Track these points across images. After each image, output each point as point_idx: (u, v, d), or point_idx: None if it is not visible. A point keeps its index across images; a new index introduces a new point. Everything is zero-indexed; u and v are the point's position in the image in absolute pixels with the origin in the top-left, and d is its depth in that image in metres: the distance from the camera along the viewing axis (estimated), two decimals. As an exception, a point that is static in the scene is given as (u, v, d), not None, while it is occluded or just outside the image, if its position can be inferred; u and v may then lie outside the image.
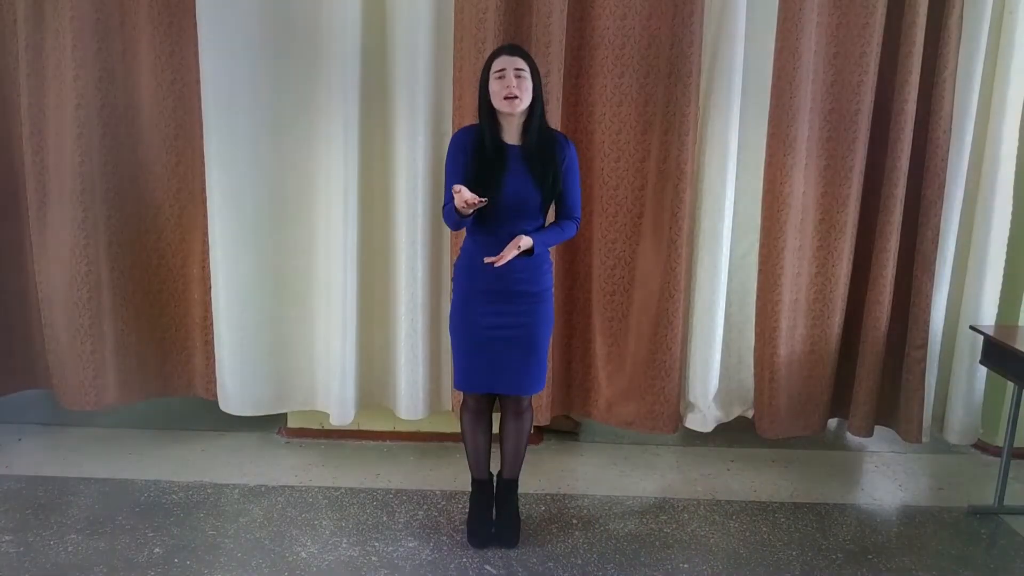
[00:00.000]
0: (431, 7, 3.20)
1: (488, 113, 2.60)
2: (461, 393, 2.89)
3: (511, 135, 2.63)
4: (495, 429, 2.90)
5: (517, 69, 2.54)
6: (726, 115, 3.26)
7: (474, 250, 2.68)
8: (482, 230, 2.65)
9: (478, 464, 2.90)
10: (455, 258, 2.87)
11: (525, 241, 2.57)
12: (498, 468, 2.93)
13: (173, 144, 3.37)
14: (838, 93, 3.34)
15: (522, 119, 2.61)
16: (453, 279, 2.80)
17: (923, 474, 3.65)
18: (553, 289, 2.81)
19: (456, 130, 3.19)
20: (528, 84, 2.55)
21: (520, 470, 2.91)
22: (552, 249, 3.26)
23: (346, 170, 3.24)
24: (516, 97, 2.52)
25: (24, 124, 3.28)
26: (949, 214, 3.40)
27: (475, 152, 2.61)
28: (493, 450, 2.91)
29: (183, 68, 3.30)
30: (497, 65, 2.55)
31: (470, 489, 2.96)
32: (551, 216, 2.82)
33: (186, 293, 3.54)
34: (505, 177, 2.58)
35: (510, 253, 2.53)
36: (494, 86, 2.55)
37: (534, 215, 2.65)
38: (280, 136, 3.30)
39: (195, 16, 3.14)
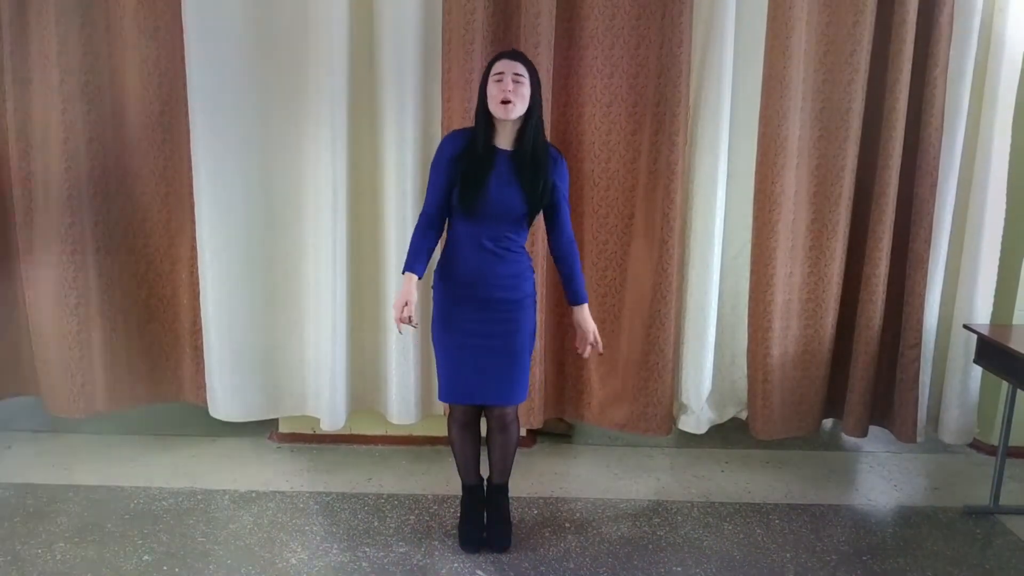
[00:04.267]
0: (419, 8, 3.18)
1: (484, 116, 2.59)
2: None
3: (504, 140, 2.61)
4: (483, 432, 2.88)
5: (516, 74, 2.52)
6: (716, 115, 3.24)
7: (454, 258, 2.66)
8: (463, 236, 2.63)
9: (467, 470, 2.88)
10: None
11: (594, 327, 2.76)
12: (488, 472, 2.91)
13: (160, 149, 3.35)
14: (829, 92, 3.33)
15: (517, 126, 2.59)
16: (433, 287, 2.76)
17: (918, 474, 3.64)
18: (536, 296, 2.78)
19: (445, 131, 3.19)
20: (525, 91, 2.54)
21: (510, 475, 2.89)
22: (541, 253, 3.26)
23: (335, 173, 3.23)
24: (511, 102, 2.51)
25: (9, 129, 3.25)
26: (941, 212, 3.38)
27: (465, 153, 2.59)
28: (483, 454, 2.89)
29: (170, 72, 3.27)
30: (497, 68, 2.54)
31: (461, 493, 2.94)
32: (542, 231, 2.80)
33: (175, 298, 3.52)
34: (491, 181, 2.56)
35: (587, 345, 2.76)
36: (491, 89, 2.54)
37: (517, 223, 2.62)
38: (268, 139, 3.28)
39: (181, 20, 3.13)
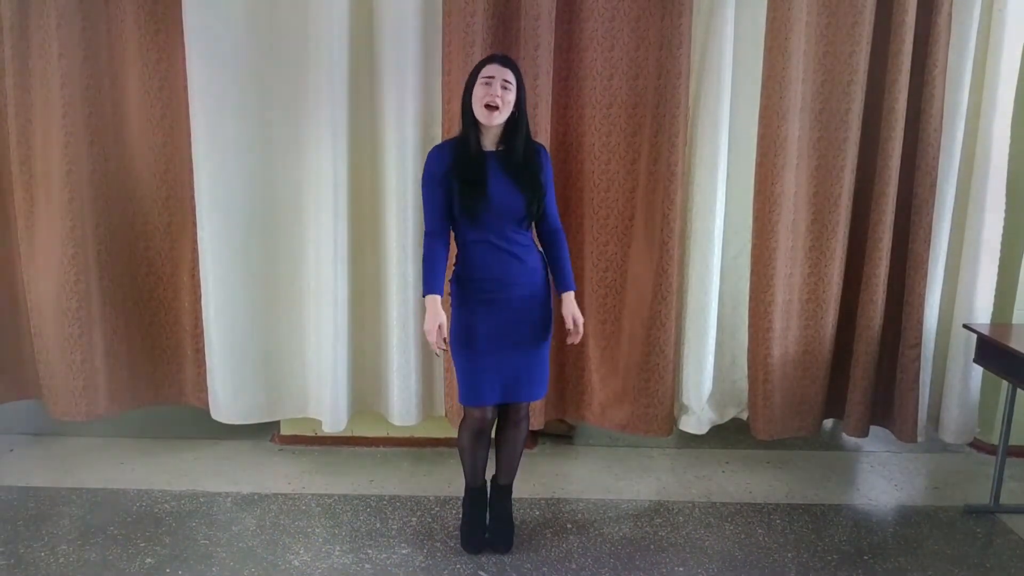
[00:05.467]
0: (419, 10, 3.19)
1: (471, 118, 2.60)
2: (455, 399, 2.86)
3: (489, 142, 2.64)
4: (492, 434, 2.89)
5: (505, 81, 2.55)
6: (716, 116, 3.25)
7: (467, 261, 2.67)
8: (473, 241, 2.64)
9: (474, 474, 2.88)
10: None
11: (578, 313, 2.77)
12: (492, 474, 2.92)
13: (161, 152, 3.36)
14: (828, 93, 3.33)
15: (501, 128, 2.62)
16: (450, 294, 2.75)
17: (919, 474, 3.64)
18: (550, 290, 2.78)
19: (446, 133, 3.20)
20: (511, 97, 2.57)
21: (515, 475, 2.90)
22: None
23: (335, 175, 3.23)
24: (496, 108, 2.53)
25: (11, 133, 3.26)
26: (941, 212, 3.39)
27: (457, 162, 2.60)
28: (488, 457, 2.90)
29: (170, 75, 3.28)
30: (486, 72, 2.56)
31: (464, 495, 2.94)
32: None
33: (176, 301, 3.52)
34: (489, 183, 2.58)
35: (579, 332, 2.77)
36: (478, 91, 2.56)
37: (519, 220, 2.64)
38: (268, 142, 3.28)
39: (182, 23, 3.13)
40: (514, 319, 2.66)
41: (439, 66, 3.26)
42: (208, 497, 3.23)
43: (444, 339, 2.65)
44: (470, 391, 2.70)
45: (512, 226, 2.63)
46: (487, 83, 2.54)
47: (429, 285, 2.64)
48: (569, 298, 2.77)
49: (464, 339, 2.68)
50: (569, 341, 2.80)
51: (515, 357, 2.68)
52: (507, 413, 2.81)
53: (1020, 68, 3.34)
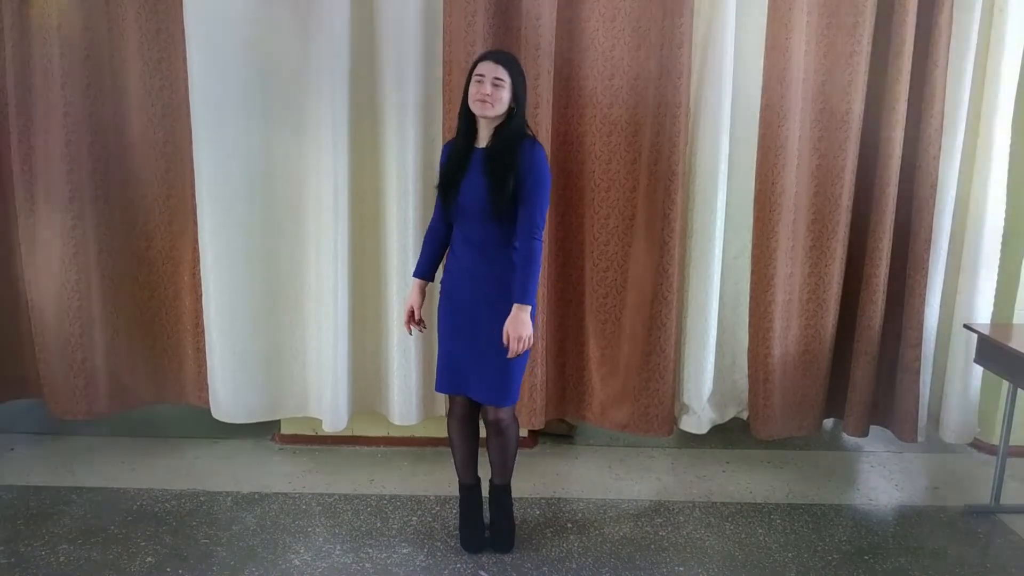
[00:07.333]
0: (419, 10, 3.19)
1: (467, 115, 2.62)
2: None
3: (484, 139, 2.64)
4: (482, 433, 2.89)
5: (496, 79, 2.54)
6: (717, 115, 3.25)
7: (449, 256, 2.78)
8: (454, 236, 2.73)
9: (465, 468, 2.89)
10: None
11: (518, 329, 2.55)
12: (488, 474, 2.92)
13: (162, 151, 3.36)
14: (829, 92, 3.33)
15: (496, 123, 2.61)
16: (441, 282, 2.82)
17: (919, 474, 3.64)
18: (535, 299, 2.72)
19: (446, 133, 3.21)
20: (504, 95, 2.55)
21: (510, 477, 2.89)
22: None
23: (336, 175, 3.23)
24: (488, 103, 2.54)
25: (12, 132, 3.26)
26: (941, 212, 3.39)
27: (447, 156, 2.69)
28: (481, 454, 2.90)
29: (171, 75, 3.29)
30: (479, 70, 2.57)
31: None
32: (547, 232, 2.82)
33: (177, 301, 3.52)
34: (462, 180, 2.61)
35: (515, 346, 2.56)
36: (471, 89, 2.58)
37: (490, 220, 2.57)
38: (269, 142, 3.28)
39: (182, 23, 3.13)
40: (468, 316, 2.68)
41: (439, 66, 3.25)
42: (208, 496, 3.23)
43: (419, 321, 2.83)
44: (438, 377, 2.81)
45: (482, 225, 2.60)
46: (479, 81, 2.55)
47: (416, 268, 2.87)
48: (514, 310, 2.56)
49: (440, 327, 2.81)
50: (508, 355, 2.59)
51: (466, 353, 2.70)
52: (487, 421, 2.78)
53: (1020, 68, 3.33)
